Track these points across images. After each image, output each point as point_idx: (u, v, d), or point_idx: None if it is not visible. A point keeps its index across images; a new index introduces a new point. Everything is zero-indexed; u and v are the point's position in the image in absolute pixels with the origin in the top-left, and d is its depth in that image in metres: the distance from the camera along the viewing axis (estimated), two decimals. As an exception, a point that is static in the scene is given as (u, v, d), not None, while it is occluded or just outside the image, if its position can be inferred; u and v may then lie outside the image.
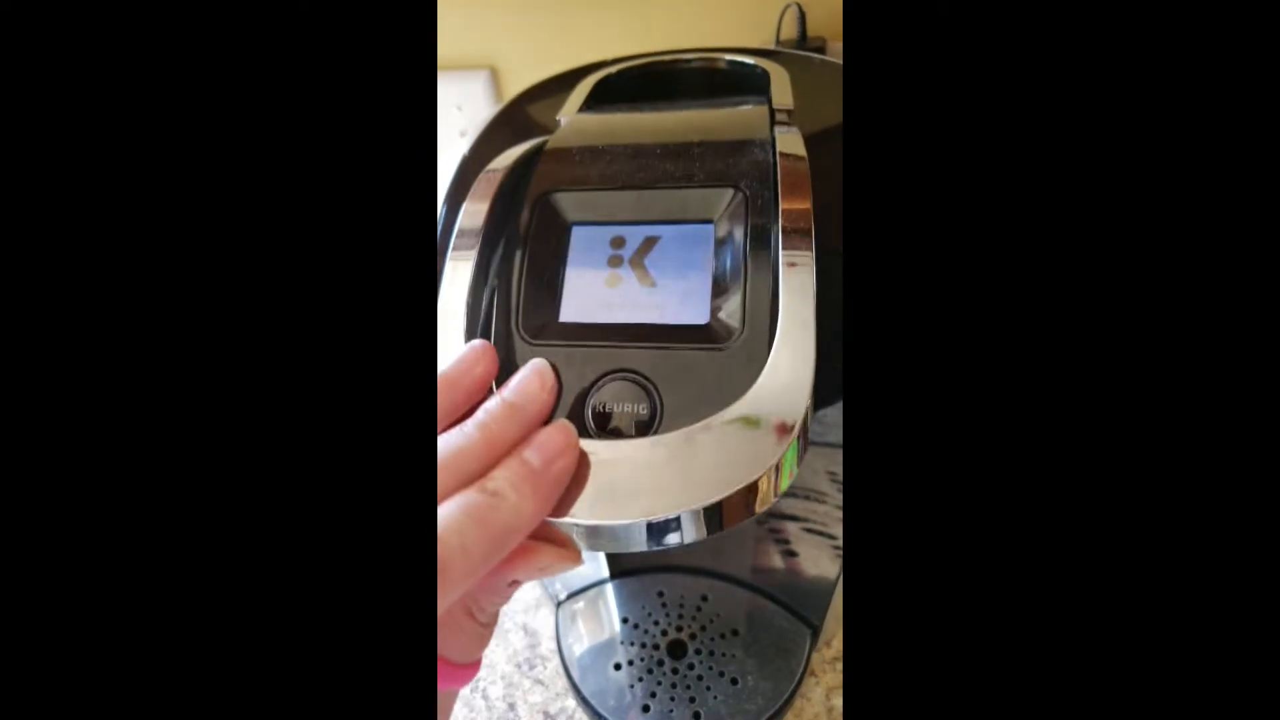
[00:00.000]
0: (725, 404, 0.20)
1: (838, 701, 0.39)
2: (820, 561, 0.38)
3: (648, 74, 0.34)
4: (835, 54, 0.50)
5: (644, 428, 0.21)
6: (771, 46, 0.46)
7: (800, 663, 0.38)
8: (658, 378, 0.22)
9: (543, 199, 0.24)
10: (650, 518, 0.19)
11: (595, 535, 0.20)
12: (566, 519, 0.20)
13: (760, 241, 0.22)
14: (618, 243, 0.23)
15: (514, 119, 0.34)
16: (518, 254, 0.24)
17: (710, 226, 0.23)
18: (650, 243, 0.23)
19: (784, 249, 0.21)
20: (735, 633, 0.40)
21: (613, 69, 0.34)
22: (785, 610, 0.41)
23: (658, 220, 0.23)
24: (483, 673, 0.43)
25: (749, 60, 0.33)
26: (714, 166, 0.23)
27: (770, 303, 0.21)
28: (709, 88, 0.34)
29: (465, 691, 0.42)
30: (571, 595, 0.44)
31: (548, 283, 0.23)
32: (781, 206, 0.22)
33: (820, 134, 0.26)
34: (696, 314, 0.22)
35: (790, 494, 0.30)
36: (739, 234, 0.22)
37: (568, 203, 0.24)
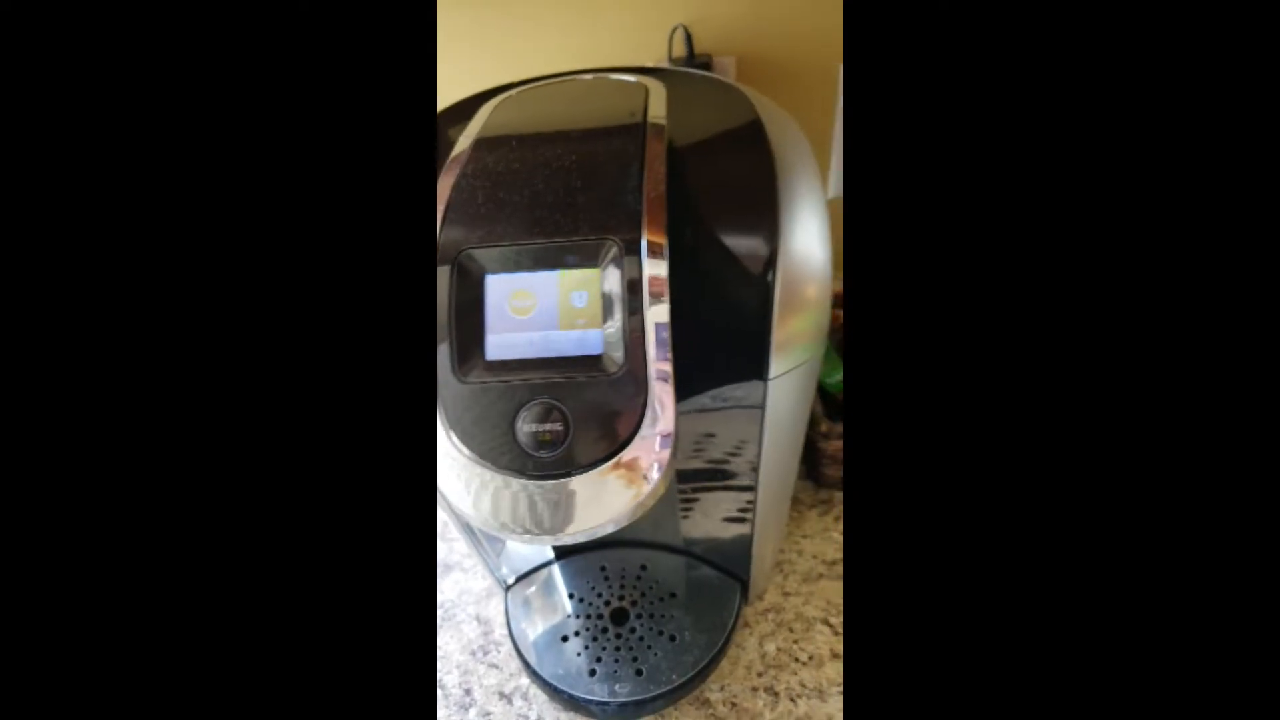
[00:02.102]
0: (619, 419, 0.24)
1: (770, 647, 0.45)
2: (740, 522, 0.42)
3: (539, 98, 0.35)
4: (720, 70, 0.52)
5: (559, 439, 0.25)
6: (660, 64, 0.48)
7: (731, 615, 0.44)
8: (567, 401, 0.25)
9: (460, 256, 0.26)
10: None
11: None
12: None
13: (634, 281, 0.25)
14: (522, 295, 0.26)
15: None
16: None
17: (596, 270, 0.26)
18: (548, 288, 0.26)
19: (649, 288, 0.25)
20: (673, 595, 0.45)
21: (510, 92, 0.35)
22: (716, 569, 0.46)
23: (554, 267, 0.26)
24: (438, 664, 0.46)
25: (624, 77, 0.35)
26: (596, 219, 0.26)
27: (642, 334, 0.25)
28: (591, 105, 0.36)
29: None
30: (519, 579, 0.48)
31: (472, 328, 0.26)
32: (646, 238, 0.25)
33: (689, 144, 0.29)
34: (593, 347, 0.25)
35: (700, 464, 0.35)
36: (617, 277, 0.25)
37: (482, 257, 0.26)
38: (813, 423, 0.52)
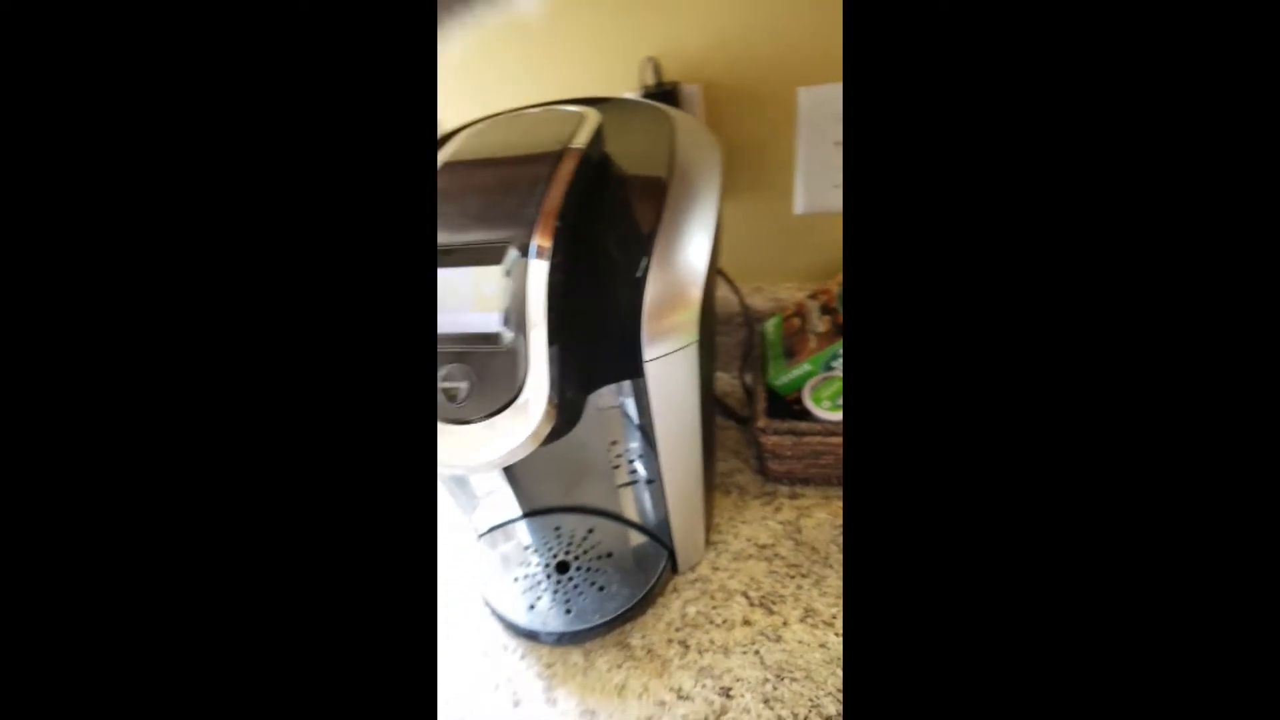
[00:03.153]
0: (506, 381, 0.32)
1: (691, 610, 0.51)
2: (668, 500, 0.49)
3: (495, 128, 0.43)
4: (687, 97, 0.58)
5: (463, 396, 0.33)
6: (629, 93, 0.56)
7: (655, 576, 0.50)
8: (471, 365, 0.33)
9: None
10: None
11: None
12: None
13: (520, 273, 0.32)
14: (450, 290, 0.34)
15: None
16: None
17: (498, 268, 0.33)
18: (465, 280, 0.34)
19: (531, 276, 0.32)
20: (610, 555, 0.52)
21: (478, 125, 0.44)
22: (649, 537, 0.53)
23: (470, 264, 0.34)
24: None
25: (570, 108, 0.42)
26: (502, 227, 0.34)
27: (525, 316, 0.32)
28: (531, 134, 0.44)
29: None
30: (491, 529, 0.56)
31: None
32: (536, 243, 0.32)
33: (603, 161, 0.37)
34: (493, 326, 0.33)
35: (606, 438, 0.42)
36: (516, 273, 0.33)
37: None
38: (755, 419, 0.57)
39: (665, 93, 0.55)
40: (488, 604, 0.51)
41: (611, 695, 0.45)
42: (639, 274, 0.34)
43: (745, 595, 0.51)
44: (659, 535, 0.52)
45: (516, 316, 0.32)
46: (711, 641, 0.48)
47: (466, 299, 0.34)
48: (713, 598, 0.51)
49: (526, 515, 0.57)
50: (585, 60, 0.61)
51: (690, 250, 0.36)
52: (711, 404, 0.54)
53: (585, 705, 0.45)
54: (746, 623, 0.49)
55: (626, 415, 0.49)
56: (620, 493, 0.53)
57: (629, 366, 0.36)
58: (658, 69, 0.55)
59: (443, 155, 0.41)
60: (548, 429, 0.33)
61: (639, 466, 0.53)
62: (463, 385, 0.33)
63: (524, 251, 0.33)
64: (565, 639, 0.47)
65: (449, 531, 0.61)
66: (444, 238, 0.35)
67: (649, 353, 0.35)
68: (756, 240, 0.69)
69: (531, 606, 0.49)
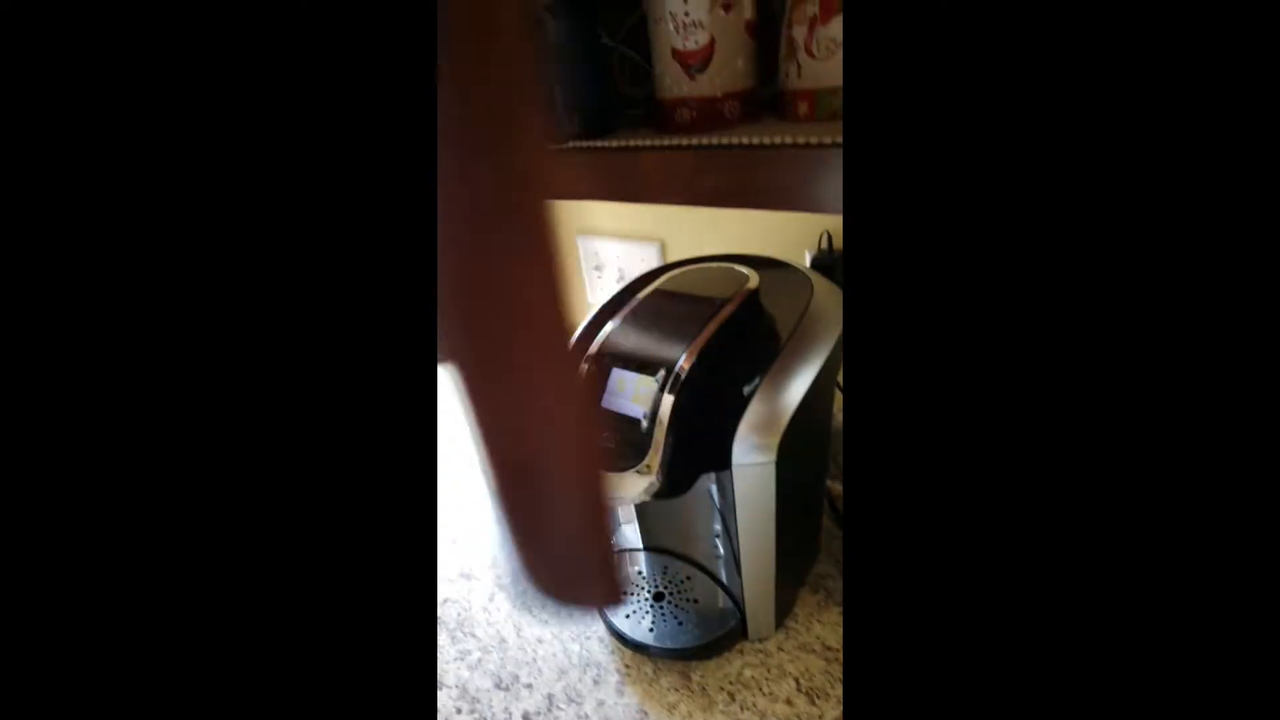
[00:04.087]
0: (639, 451, 0.49)
1: (748, 672, 0.61)
2: (742, 579, 0.60)
3: (687, 273, 0.62)
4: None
5: (614, 450, 0.51)
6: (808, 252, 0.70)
7: (724, 631, 0.62)
8: (621, 435, 0.51)
9: (600, 357, 0.55)
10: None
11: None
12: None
13: (665, 384, 0.50)
14: (621, 381, 0.53)
15: (639, 281, 0.66)
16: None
17: (652, 379, 0.51)
18: (632, 380, 0.52)
19: (668, 390, 0.49)
20: (696, 601, 0.65)
21: (676, 271, 0.63)
22: (730, 599, 0.64)
23: (638, 371, 0.52)
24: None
25: (741, 268, 0.59)
26: (664, 350, 0.51)
27: (656, 412, 0.49)
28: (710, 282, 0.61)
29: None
30: (620, 551, 0.74)
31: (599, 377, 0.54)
32: (681, 365, 0.49)
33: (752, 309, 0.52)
34: (637, 414, 0.51)
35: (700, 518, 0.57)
36: (661, 382, 0.50)
37: (613, 357, 0.55)
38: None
39: (831, 260, 0.68)
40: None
41: (664, 709, 0.58)
42: (746, 393, 0.49)
43: (796, 680, 0.59)
44: (737, 601, 0.64)
45: (654, 411, 0.50)
46: (754, 704, 0.58)
47: (629, 392, 0.52)
48: (769, 670, 0.60)
49: (647, 549, 0.73)
50: (779, 228, 0.77)
51: (791, 389, 0.49)
52: (809, 509, 0.65)
53: (643, 707, 0.59)
54: (789, 702, 0.57)
55: (713, 499, 0.63)
56: (719, 559, 0.67)
57: (721, 463, 0.50)
58: (830, 239, 0.68)
59: (653, 286, 0.61)
60: (654, 490, 0.49)
61: (719, 545, 0.65)
62: (613, 447, 0.51)
63: (671, 370, 0.50)
64: (642, 649, 0.62)
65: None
66: (631, 345, 0.54)
67: (738, 458, 0.49)
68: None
69: (627, 616, 0.64)
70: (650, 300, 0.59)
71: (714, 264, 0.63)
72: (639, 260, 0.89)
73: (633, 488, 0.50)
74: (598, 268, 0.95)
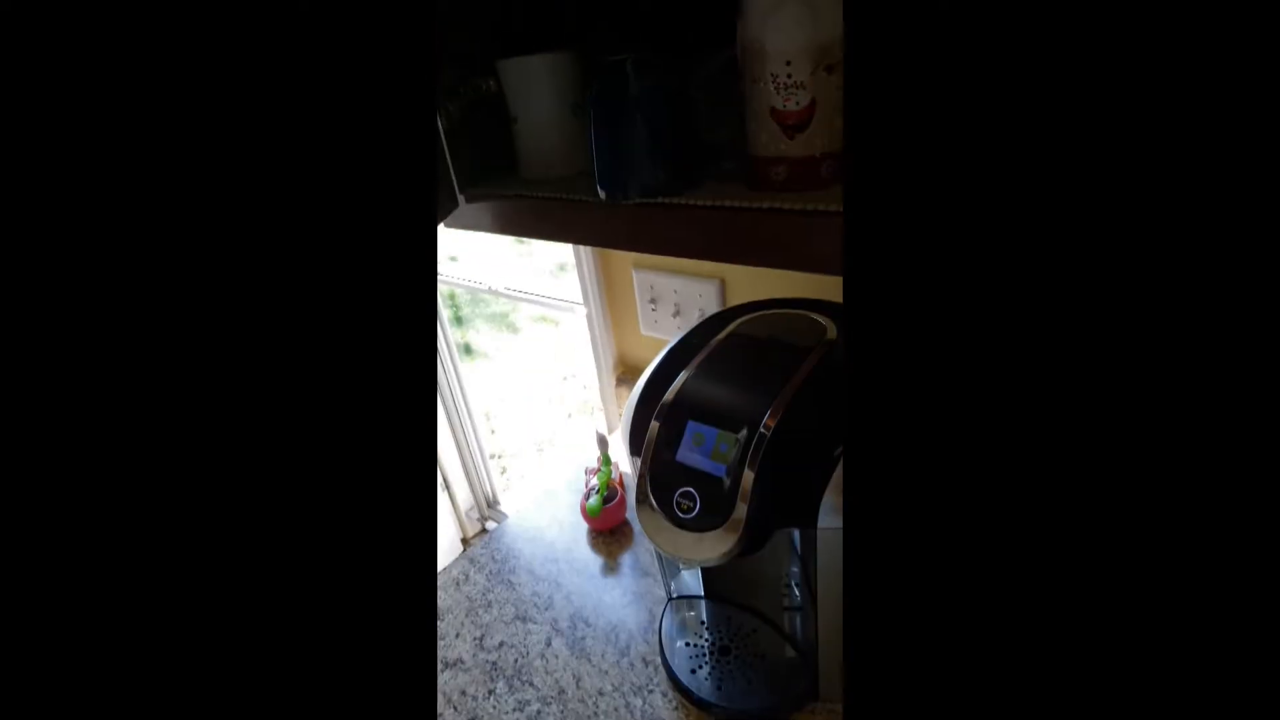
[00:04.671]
0: (720, 511, 0.48)
1: (821, 734, 0.58)
2: (819, 638, 0.58)
3: (763, 318, 0.61)
4: None
5: (691, 511, 0.50)
6: None
7: (794, 692, 0.59)
8: (700, 493, 0.50)
9: (675, 408, 0.54)
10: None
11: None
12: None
13: (745, 447, 0.48)
14: (699, 437, 0.52)
15: (712, 323, 0.65)
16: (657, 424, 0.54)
17: (734, 436, 0.50)
18: (712, 436, 0.51)
19: (752, 451, 0.47)
20: (763, 656, 0.63)
21: (750, 315, 0.62)
22: (800, 657, 0.62)
23: (717, 426, 0.51)
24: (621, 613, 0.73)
25: (816, 316, 0.57)
26: (747, 406, 0.50)
27: (740, 475, 0.48)
28: (789, 330, 0.59)
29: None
30: (680, 597, 0.72)
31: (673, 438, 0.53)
32: (765, 422, 0.48)
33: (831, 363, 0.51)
34: (719, 472, 0.49)
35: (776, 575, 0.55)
36: (743, 440, 0.49)
37: (691, 410, 0.53)
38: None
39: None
40: (661, 650, 0.66)
41: (733, 772, 0.56)
42: (836, 454, 0.47)
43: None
44: (808, 659, 0.61)
45: (737, 471, 0.48)
46: (827, 771, 0.55)
47: (708, 448, 0.51)
48: (840, 735, 0.58)
49: (708, 597, 0.71)
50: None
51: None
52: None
53: (710, 768, 0.57)
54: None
55: (795, 550, 0.61)
56: (786, 611, 0.64)
57: (806, 522, 0.48)
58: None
59: (725, 331, 0.60)
60: (737, 551, 0.48)
61: (790, 594, 0.63)
62: (691, 505, 0.50)
63: (755, 428, 0.48)
64: (707, 707, 0.60)
65: (646, 586, 0.78)
66: (708, 397, 0.52)
67: (824, 521, 0.47)
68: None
69: (693, 671, 0.62)
70: (726, 348, 0.58)
71: (788, 311, 0.62)
72: (697, 296, 0.88)
73: (711, 550, 0.49)
74: (653, 301, 0.94)
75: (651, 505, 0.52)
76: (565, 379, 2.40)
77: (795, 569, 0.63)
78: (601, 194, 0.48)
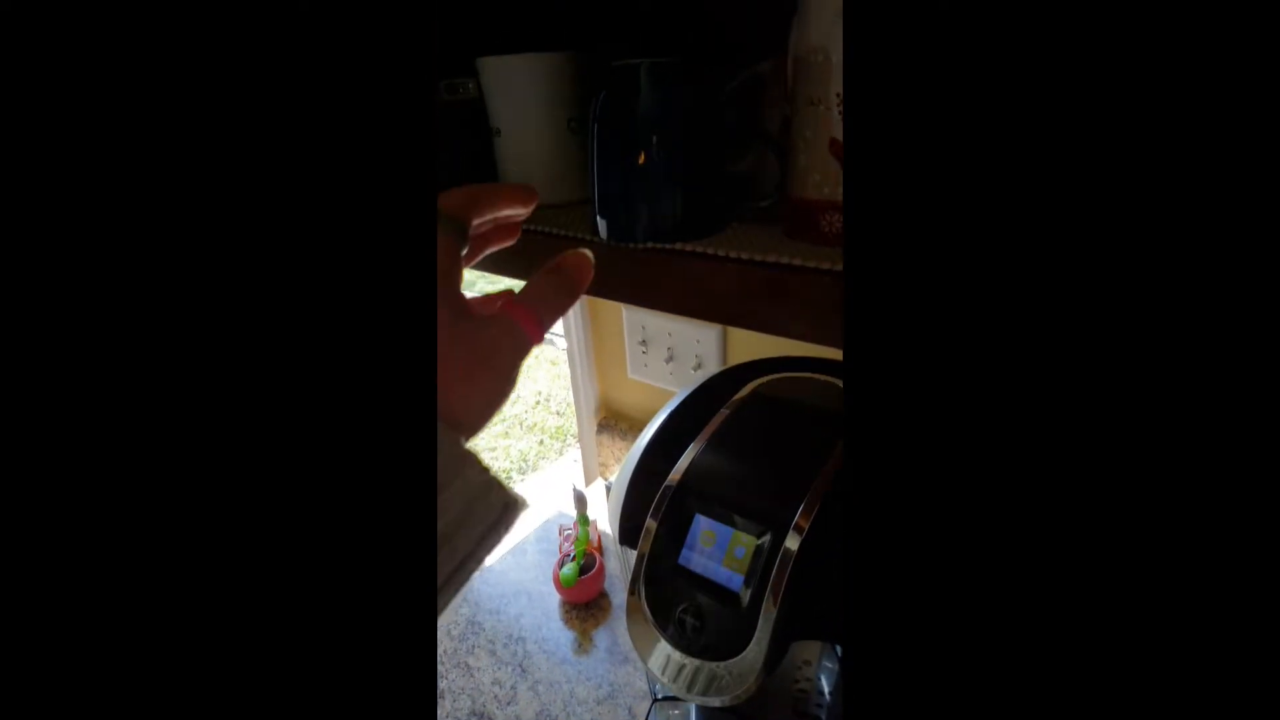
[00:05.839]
0: (735, 639, 0.37)
1: None
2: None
3: (785, 384, 0.51)
4: None
5: (697, 631, 0.39)
6: None
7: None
8: (706, 612, 0.39)
9: (680, 494, 0.43)
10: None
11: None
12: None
13: (770, 558, 0.38)
14: (709, 535, 0.41)
15: (722, 383, 0.55)
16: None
17: (754, 540, 0.40)
18: (725, 536, 0.41)
19: (778, 566, 0.37)
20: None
21: (768, 377, 0.52)
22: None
23: (732, 526, 0.41)
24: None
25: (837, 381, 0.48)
26: (769, 504, 0.40)
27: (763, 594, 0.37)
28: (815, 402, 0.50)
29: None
30: (666, 698, 0.61)
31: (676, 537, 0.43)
32: (795, 522, 0.38)
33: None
34: (735, 585, 0.39)
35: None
36: (766, 548, 0.39)
37: (700, 501, 0.43)
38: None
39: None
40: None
41: None
42: None
43: None
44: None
45: (758, 583, 0.38)
46: None
47: (719, 551, 0.41)
48: None
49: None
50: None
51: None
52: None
53: None
54: None
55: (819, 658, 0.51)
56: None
57: (832, 634, 0.39)
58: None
59: (736, 397, 0.50)
60: (754, 689, 0.38)
61: (824, 685, 0.53)
62: (694, 622, 0.39)
63: (782, 530, 0.39)
64: None
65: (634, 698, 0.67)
66: (721, 485, 0.43)
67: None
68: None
69: (682, 805, 0.52)
70: (739, 421, 0.48)
71: (808, 375, 0.52)
72: (694, 342, 0.79)
73: (722, 686, 0.38)
74: (643, 342, 0.84)
75: (645, 616, 0.42)
76: (537, 403, 2.29)
77: (815, 674, 0.52)
78: (602, 232, 0.38)
